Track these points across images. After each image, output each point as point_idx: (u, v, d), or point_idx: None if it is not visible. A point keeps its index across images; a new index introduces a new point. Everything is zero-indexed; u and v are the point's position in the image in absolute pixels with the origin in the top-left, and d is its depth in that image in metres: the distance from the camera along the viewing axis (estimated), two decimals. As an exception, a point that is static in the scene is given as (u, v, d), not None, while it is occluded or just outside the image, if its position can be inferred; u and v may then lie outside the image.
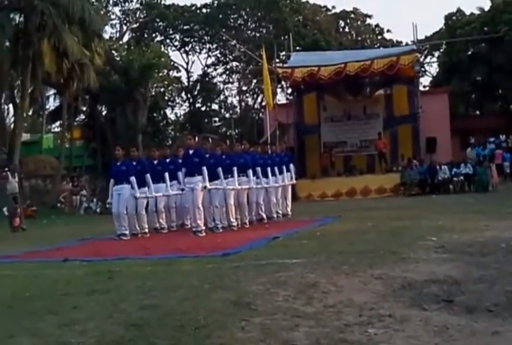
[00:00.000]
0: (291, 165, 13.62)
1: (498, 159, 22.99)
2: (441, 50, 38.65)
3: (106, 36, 35.18)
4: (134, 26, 43.03)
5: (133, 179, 10.92)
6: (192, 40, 44.97)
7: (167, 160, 12.29)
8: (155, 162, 12.10)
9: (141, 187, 11.17)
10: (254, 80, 38.42)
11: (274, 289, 4.96)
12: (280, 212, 13.06)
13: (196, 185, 10.52)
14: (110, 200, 11.37)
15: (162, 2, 42.91)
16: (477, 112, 37.93)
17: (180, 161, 11.56)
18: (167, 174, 11.60)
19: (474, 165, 20.88)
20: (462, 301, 4.31)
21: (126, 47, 37.61)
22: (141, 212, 11.35)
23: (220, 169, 10.92)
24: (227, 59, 45.74)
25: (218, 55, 45.66)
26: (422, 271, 5.50)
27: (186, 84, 45.43)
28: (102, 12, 35.08)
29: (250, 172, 11.67)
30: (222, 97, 47.07)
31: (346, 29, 46.28)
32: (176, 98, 45.32)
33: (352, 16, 45.67)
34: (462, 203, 14.99)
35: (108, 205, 12.01)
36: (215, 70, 46.09)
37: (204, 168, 10.55)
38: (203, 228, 10.58)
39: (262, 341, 3.57)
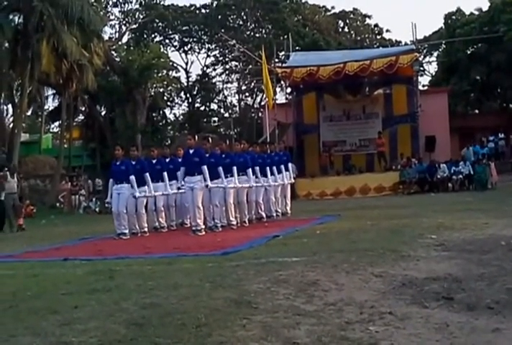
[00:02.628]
0: (290, 164, 13.67)
1: None
2: (441, 50, 38.73)
3: (106, 36, 35.17)
4: (134, 26, 43.01)
5: (132, 178, 10.93)
6: (191, 40, 45.02)
7: (167, 160, 12.35)
8: (154, 161, 12.13)
9: (140, 187, 11.19)
10: (254, 80, 38.41)
11: (274, 287, 4.95)
12: (280, 211, 13.06)
13: (196, 185, 10.53)
14: (109, 199, 11.40)
15: (162, 3, 43.00)
16: (476, 111, 37.99)
17: (180, 160, 11.63)
18: (165, 173, 11.68)
19: (473, 163, 20.89)
20: (463, 298, 4.31)
21: (125, 47, 37.63)
22: (140, 211, 11.36)
23: (221, 168, 10.94)
24: (226, 59, 45.77)
25: (218, 55, 45.73)
26: (422, 269, 5.50)
27: (185, 84, 45.45)
28: (101, 13, 34.98)
29: (250, 171, 11.70)
30: (221, 97, 47.16)
31: (346, 29, 46.32)
32: (175, 98, 45.41)
33: (352, 16, 45.76)
34: (461, 201, 14.99)
35: (107, 205, 12.02)
36: (214, 70, 46.20)
37: (205, 167, 10.56)
38: (203, 227, 10.58)
39: (263, 339, 3.57)
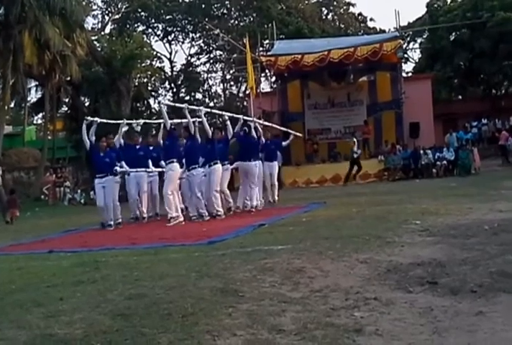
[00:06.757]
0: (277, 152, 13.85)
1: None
2: (424, 37, 38.71)
3: (88, 27, 34.89)
4: (116, 16, 42.52)
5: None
6: (175, 30, 44.56)
7: (150, 148, 12.34)
8: (138, 147, 12.09)
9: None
10: (238, 69, 38.26)
11: (260, 275, 4.97)
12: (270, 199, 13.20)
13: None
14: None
15: (145, -8, 42.46)
16: (460, 97, 38.13)
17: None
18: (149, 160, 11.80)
19: (456, 149, 21.01)
20: (447, 283, 4.35)
21: (108, 37, 37.22)
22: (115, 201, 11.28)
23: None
24: (211, 48, 45.42)
25: (202, 45, 45.33)
26: (407, 254, 5.54)
27: (170, 74, 45.15)
28: (84, 3, 34.60)
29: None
30: (206, 86, 46.88)
31: (330, 17, 46.10)
32: (160, 88, 45.08)
33: (335, 3, 45.54)
34: (445, 186, 15.09)
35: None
36: (198, 59, 45.83)
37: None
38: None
39: (249, 326, 3.58)
